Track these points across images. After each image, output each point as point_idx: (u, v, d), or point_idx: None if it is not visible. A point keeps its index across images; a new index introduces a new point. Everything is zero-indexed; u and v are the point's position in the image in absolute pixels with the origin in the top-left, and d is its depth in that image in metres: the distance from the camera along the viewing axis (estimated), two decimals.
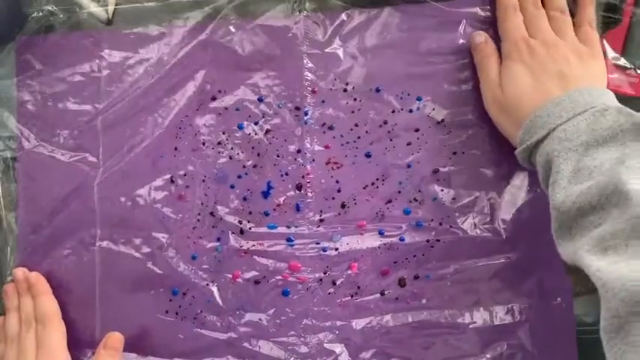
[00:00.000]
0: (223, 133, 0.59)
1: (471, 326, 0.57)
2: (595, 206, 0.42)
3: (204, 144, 0.59)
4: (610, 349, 0.38)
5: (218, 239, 0.59)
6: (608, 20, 0.57)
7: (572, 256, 0.44)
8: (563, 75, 0.51)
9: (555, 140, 0.47)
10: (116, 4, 0.60)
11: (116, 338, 0.57)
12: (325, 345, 0.57)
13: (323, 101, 0.59)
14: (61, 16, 0.60)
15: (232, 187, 0.59)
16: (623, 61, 0.56)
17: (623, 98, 0.56)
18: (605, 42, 0.57)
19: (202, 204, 0.59)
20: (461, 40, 0.58)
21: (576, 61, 0.52)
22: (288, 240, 0.58)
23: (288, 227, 0.58)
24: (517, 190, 0.57)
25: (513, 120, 0.52)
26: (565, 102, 0.48)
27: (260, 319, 0.58)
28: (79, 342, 0.59)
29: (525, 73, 0.53)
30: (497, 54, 0.56)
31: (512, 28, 0.55)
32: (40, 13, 0.60)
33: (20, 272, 0.59)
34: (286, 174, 0.58)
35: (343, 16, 0.59)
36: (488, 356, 0.56)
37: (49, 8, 0.60)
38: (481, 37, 0.57)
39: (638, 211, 0.38)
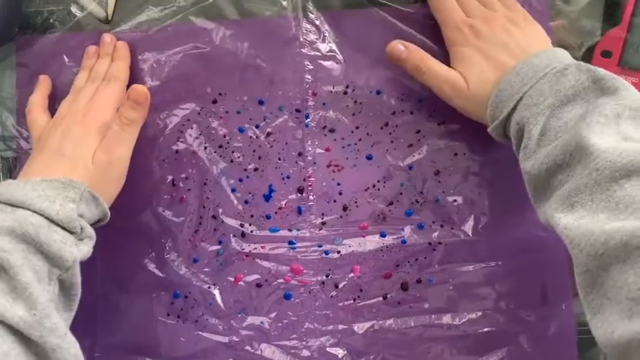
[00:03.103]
0: (224, 137, 0.59)
1: (472, 330, 0.57)
2: (561, 165, 0.42)
3: (205, 147, 0.59)
4: (587, 304, 0.38)
5: (220, 242, 0.58)
6: (608, 20, 0.57)
7: (546, 218, 0.44)
8: (508, 46, 0.51)
9: (523, 108, 0.47)
10: (116, 3, 0.60)
11: (140, 91, 0.54)
12: (327, 349, 0.57)
13: (323, 104, 0.59)
14: (61, 15, 0.60)
15: (234, 190, 0.58)
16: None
17: None
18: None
19: (204, 207, 0.59)
20: None
21: (515, 29, 0.52)
22: (290, 243, 0.58)
23: (290, 230, 0.58)
24: (520, 191, 0.57)
25: (479, 103, 0.52)
26: (524, 69, 0.48)
27: (262, 323, 0.58)
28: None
29: (477, 55, 0.52)
30: (425, 52, 0.55)
31: (450, 12, 0.55)
32: (40, 13, 0.60)
33: (109, 37, 0.58)
34: (288, 177, 0.58)
35: (343, 18, 0.59)
36: None
37: (49, 8, 0.60)
38: (399, 45, 0.55)
39: (600, 164, 0.39)
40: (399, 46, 0.55)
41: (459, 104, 0.54)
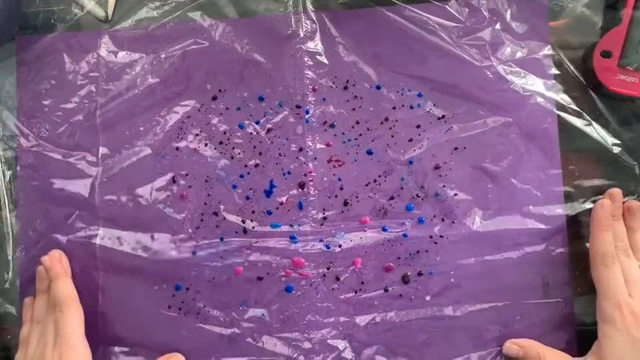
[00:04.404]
0: (225, 133, 0.59)
1: (473, 323, 0.57)
2: None
3: (206, 144, 0.59)
4: None
5: (221, 239, 0.59)
6: (608, 20, 0.57)
7: None
8: None
9: None
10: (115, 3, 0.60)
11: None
12: (329, 341, 0.58)
13: (324, 99, 0.59)
14: (61, 15, 0.60)
15: (235, 186, 0.59)
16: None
17: (624, 98, 0.57)
18: None
19: (205, 204, 0.59)
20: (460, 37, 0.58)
21: None
22: (292, 238, 0.58)
23: (292, 226, 0.59)
24: (520, 184, 0.58)
25: None
26: None
27: (263, 315, 0.58)
28: None
29: (631, 350, 0.49)
30: (541, 345, 0.55)
31: (616, 288, 0.51)
32: (40, 13, 0.60)
33: (47, 259, 0.58)
34: (288, 172, 0.59)
35: (343, 15, 0.59)
36: (490, 353, 0.57)
37: (49, 8, 0.60)
38: (513, 346, 0.56)
39: None
40: (514, 347, 0.56)
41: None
